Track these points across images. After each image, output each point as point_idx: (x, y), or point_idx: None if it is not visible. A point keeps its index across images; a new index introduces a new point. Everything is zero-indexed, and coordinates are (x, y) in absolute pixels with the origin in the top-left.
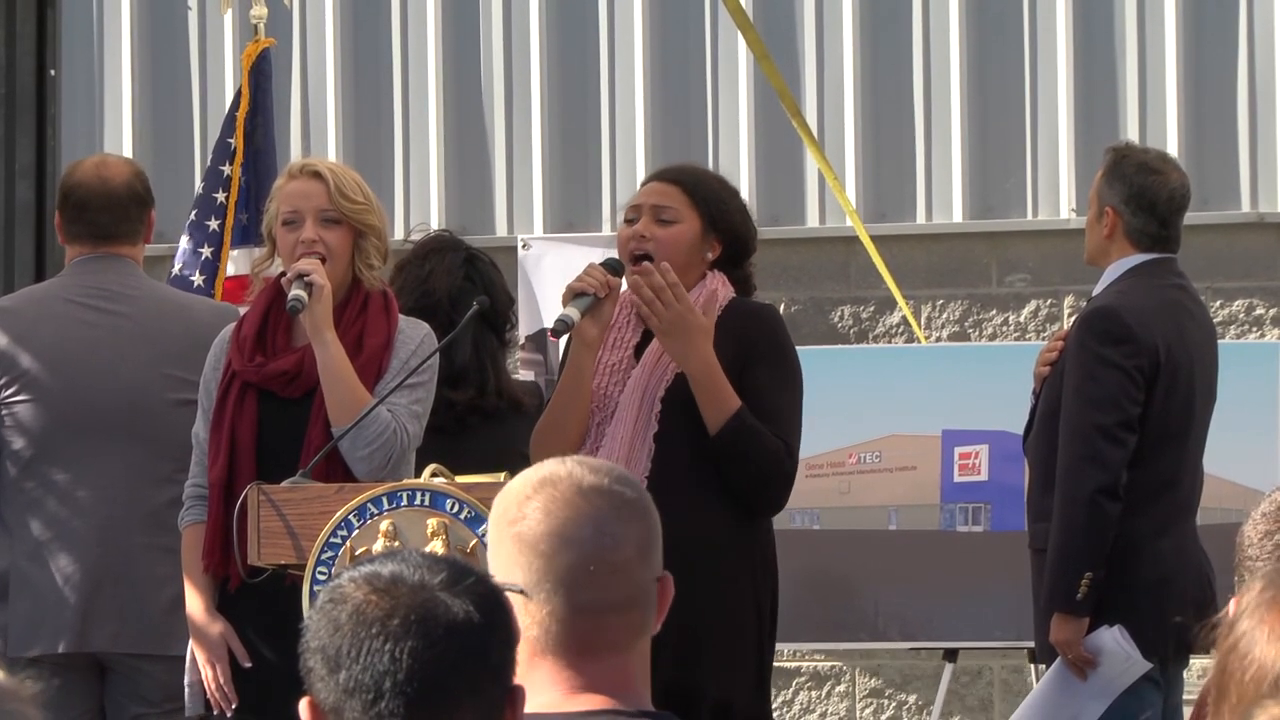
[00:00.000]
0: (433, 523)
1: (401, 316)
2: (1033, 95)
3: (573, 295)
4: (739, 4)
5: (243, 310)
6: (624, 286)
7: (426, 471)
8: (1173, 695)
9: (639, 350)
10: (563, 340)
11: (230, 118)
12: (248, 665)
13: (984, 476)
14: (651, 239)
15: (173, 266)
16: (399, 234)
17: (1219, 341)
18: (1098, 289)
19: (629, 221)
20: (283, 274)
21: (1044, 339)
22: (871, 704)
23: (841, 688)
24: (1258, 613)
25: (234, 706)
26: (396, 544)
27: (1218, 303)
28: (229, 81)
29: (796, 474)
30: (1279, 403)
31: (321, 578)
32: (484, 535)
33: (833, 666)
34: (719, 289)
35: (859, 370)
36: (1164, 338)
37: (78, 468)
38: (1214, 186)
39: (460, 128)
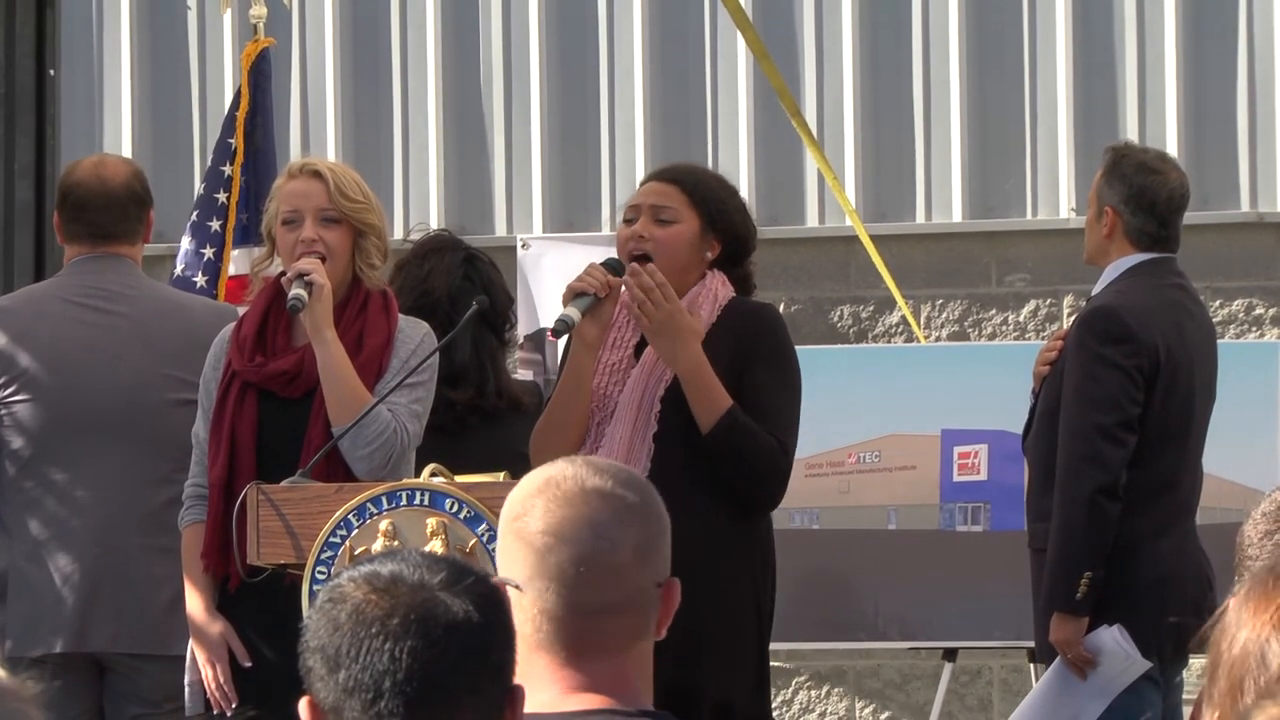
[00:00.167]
0: (432, 522)
1: (401, 316)
2: (1033, 95)
3: (573, 295)
4: (739, 4)
5: (242, 310)
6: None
7: (426, 471)
8: (1172, 695)
9: (639, 350)
10: (562, 340)
11: (230, 118)
12: (248, 665)
13: (983, 476)
14: (651, 239)
15: (175, 267)
16: (398, 234)
17: (1219, 341)
18: (1097, 289)
19: (628, 221)
20: (282, 273)
21: (1044, 339)
22: (871, 704)
23: (841, 688)
24: (1245, 596)
25: (234, 706)
26: (396, 543)
27: (1217, 303)
28: (229, 81)
29: (793, 472)
30: (1279, 403)
31: (321, 577)
32: (483, 535)
33: (833, 666)
34: (719, 288)
35: (859, 370)
36: (1164, 337)
37: (76, 467)
38: (1214, 186)
39: (460, 128)
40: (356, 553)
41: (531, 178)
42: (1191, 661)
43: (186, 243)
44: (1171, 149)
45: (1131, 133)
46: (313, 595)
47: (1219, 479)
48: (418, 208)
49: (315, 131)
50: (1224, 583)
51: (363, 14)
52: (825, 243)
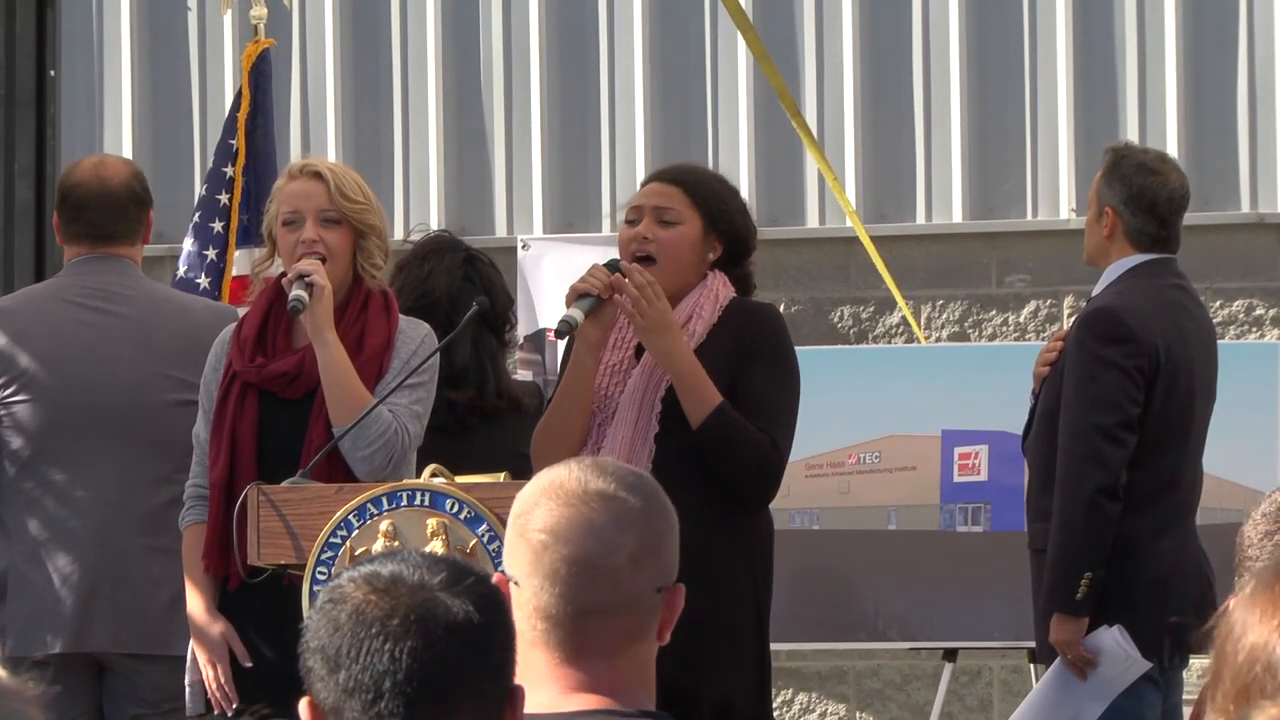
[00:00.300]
0: (432, 523)
1: (402, 316)
2: (1032, 95)
3: (576, 296)
4: (739, 4)
5: (242, 311)
6: None
7: (426, 472)
8: (1172, 695)
9: (639, 351)
10: (563, 341)
11: (231, 119)
12: (248, 665)
13: (983, 477)
14: (654, 240)
15: (178, 269)
16: (399, 234)
17: (1219, 341)
18: (1097, 289)
19: (630, 223)
20: (283, 274)
21: (1044, 339)
22: (871, 704)
23: (841, 688)
24: (1250, 598)
25: (234, 706)
26: (396, 544)
27: (1217, 303)
28: (229, 82)
29: (793, 472)
30: (1279, 403)
31: (321, 578)
32: (484, 536)
33: (833, 667)
34: (720, 289)
35: (859, 370)
36: (1164, 338)
37: (75, 468)
38: (1214, 186)
39: (460, 128)
40: (357, 553)
41: (531, 178)
42: (1192, 661)
43: (189, 244)
44: (1171, 149)
45: (1131, 133)
46: (313, 596)
47: (1219, 479)
48: (418, 208)
49: (315, 132)
50: (1224, 583)
51: (363, 14)
52: (825, 243)
